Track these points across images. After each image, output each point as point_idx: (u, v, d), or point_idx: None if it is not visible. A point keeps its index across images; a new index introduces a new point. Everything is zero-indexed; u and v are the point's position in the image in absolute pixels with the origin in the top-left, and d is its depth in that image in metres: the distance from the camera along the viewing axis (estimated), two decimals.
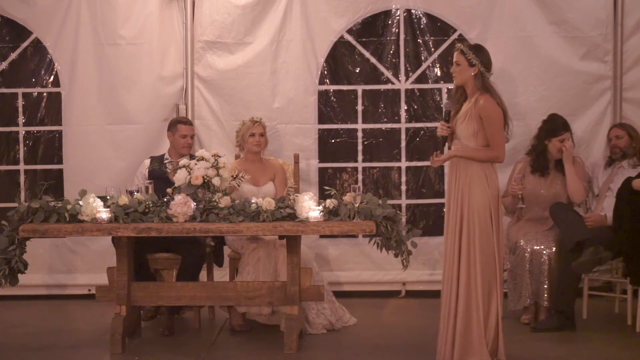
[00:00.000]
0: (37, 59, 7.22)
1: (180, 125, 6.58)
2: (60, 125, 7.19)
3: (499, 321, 5.19)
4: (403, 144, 7.21)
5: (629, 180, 6.10)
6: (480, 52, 5.23)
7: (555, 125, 6.48)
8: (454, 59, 5.26)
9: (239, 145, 6.53)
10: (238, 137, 6.53)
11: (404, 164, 7.21)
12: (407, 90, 7.21)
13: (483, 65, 5.21)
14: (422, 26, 7.18)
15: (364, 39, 7.22)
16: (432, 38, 7.17)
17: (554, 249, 6.23)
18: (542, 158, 6.49)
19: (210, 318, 6.56)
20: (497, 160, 5.21)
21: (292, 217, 5.49)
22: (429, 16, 7.17)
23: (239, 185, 6.05)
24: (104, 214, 5.48)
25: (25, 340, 6.03)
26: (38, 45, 7.19)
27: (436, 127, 7.16)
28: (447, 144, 5.39)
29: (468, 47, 5.24)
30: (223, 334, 6.18)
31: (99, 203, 5.55)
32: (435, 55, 7.18)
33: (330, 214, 5.51)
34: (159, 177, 6.26)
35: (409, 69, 7.19)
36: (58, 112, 7.21)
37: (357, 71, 7.26)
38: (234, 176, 5.93)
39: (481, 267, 5.13)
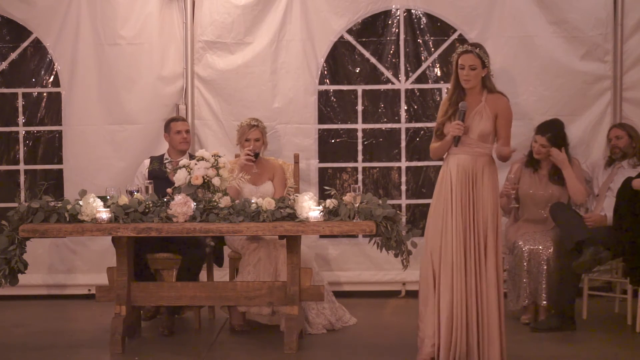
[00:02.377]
0: (37, 59, 7.23)
1: (172, 123, 6.60)
2: (60, 125, 7.19)
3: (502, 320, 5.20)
4: (403, 144, 7.21)
5: (629, 180, 6.10)
6: (488, 54, 5.27)
7: (538, 126, 6.55)
8: (469, 63, 5.19)
9: (238, 144, 6.54)
10: (237, 136, 6.54)
11: (404, 164, 7.21)
12: (407, 90, 7.21)
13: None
14: (422, 26, 7.18)
15: (364, 39, 7.22)
16: (432, 38, 7.17)
17: (552, 249, 6.23)
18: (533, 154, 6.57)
19: (210, 318, 6.56)
20: (509, 158, 5.34)
21: (292, 217, 5.49)
22: (429, 16, 7.17)
23: (244, 182, 6.07)
24: (104, 214, 5.48)
25: (25, 340, 6.03)
26: (38, 45, 7.19)
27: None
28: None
29: (481, 48, 5.24)
30: (223, 334, 6.18)
31: (99, 203, 5.55)
32: (435, 55, 7.18)
33: (330, 214, 5.51)
34: (159, 177, 6.26)
35: (409, 69, 7.19)
36: (58, 112, 7.21)
37: (357, 71, 7.26)
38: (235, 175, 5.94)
39: (497, 266, 5.17)
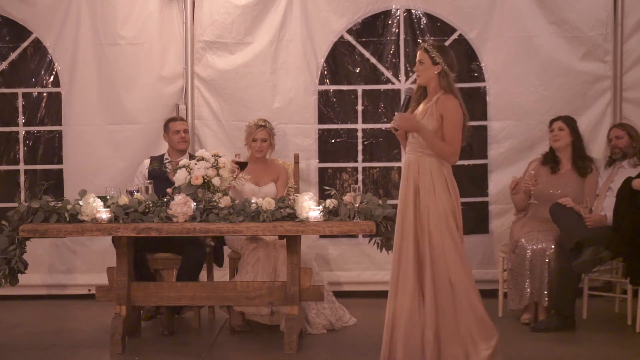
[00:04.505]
0: (37, 59, 7.22)
1: (171, 123, 6.62)
2: (60, 125, 7.19)
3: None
4: None
5: (629, 180, 6.10)
6: (444, 52, 5.15)
7: (551, 119, 6.61)
8: (418, 58, 5.18)
9: (246, 144, 6.51)
10: (245, 136, 6.51)
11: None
12: None
13: (447, 65, 5.12)
14: (422, 26, 7.18)
15: (364, 39, 7.22)
16: (432, 38, 7.17)
17: (553, 249, 6.23)
18: (551, 153, 6.58)
19: (210, 318, 6.56)
20: (450, 159, 5.10)
21: (292, 217, 5.49)
22: (429, 16, 7.17)
23: (243, 184, 6.04)
24: (104, 214, 5.48)
25: (25, 340, 6.03)
26: (38, 45, 7.19)
27: None
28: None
29: (432, 45, 5.17)
30: (223, 334, 6.18)
31: (99, 203, 5.55)
32: None
33: (330, 214, 5.51)
34: (159, 177, 6.26)
35: (409, 69, 7.19)
36: (58, 112, 7.21)
37: (357, 71, 7.26)
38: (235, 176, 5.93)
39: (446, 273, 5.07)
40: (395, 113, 5.17)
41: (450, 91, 5.14)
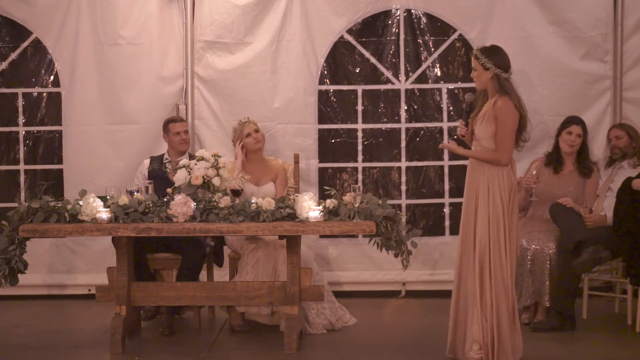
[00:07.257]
0: (37, 59, 7.22)
1: (171, 125, 6.61)
2: (60, 125, 7.19)
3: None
4: (403, 144, 7.21)
5: (629, 180, 6.10)
6: (493, 55, 5.19)
7: (566, 119, 6.58)
8: (472, 65, 5.28)
9: (239, 142, 6.50)
10: (236, 137, 6.51)
11: (404, 164, 7.21)
12: (407, 90, 7.21)
13: (498, 67, 5.16)
14: (422, 26, 7.18)
15: (364, 39, 7.22)
16: (432, 38, 7.17)
17: (554, 249, 6.23)
18: (556, 153, 6.57)
19: (210, 318, 6.56)
20: (499, 164, 5.19)
21: (292, 217, 5.49)
22: (429, 16, 7.16)
23: (241, 190, 6.02)
24: (104, 214, 5.48)
25: (25, 340, 6.03)
26: (38, 45, 7.19)
27: (436, 127, 7.23)
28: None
29: (481, 51, 5.22)
30: (223, 334, 6.19)
31: (99, 203, 5.55)
32: (435, 55, 7.18)
33: (330, 214, 5.51)
34: (159, 177, 6.26)
35: (409, 69, 7.19)
36: (58, 112, 7.21)
37: (357, 71, 7.26)
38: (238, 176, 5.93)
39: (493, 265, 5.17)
40: (459, 121, 5.33)
41: (505, 92, 5.18)
